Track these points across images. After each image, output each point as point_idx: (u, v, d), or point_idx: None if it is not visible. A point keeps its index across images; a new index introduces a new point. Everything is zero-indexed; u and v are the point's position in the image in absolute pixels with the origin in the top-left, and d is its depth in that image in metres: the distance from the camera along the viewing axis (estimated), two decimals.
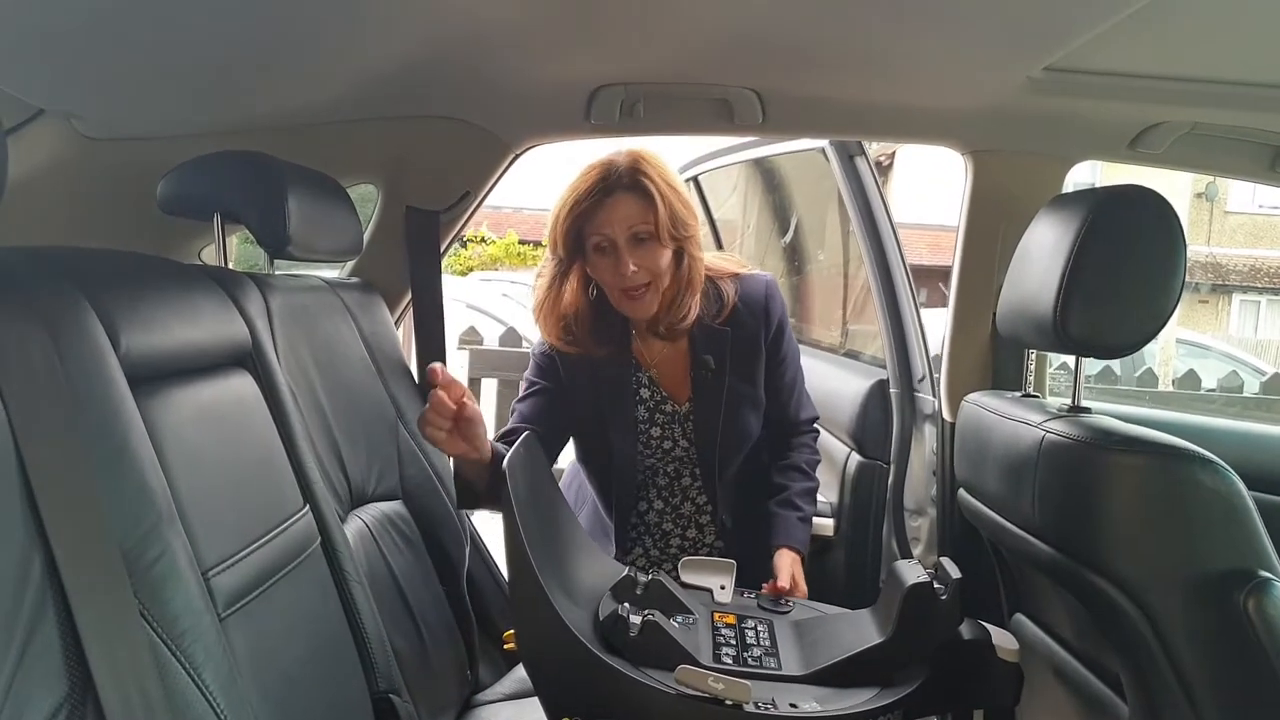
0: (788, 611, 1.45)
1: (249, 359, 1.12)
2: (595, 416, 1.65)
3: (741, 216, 3.15)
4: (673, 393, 1.66)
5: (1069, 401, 1.30)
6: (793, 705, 1.17)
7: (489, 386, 4.72)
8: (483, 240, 11.48)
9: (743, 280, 1.66)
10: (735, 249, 3.11)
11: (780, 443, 1.73)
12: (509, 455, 1.21)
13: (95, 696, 0.67)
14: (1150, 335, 1.18)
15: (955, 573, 1.26)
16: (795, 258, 2.98)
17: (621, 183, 1.50)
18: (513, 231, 11.53)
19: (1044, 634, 1.42)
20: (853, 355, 2.40)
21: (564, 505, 1.43)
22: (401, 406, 1.62)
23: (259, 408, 1.09)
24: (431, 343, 1.76)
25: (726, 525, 1.69)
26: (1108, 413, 1.28)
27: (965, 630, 1.28)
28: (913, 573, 1.27)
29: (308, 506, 1.11)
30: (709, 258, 1.64)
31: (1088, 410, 1.27)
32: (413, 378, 1.73)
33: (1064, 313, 1.17)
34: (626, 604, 1.24)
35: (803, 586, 1.58)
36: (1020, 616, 1.50)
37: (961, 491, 1.54)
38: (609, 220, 1.50)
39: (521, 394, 1.66)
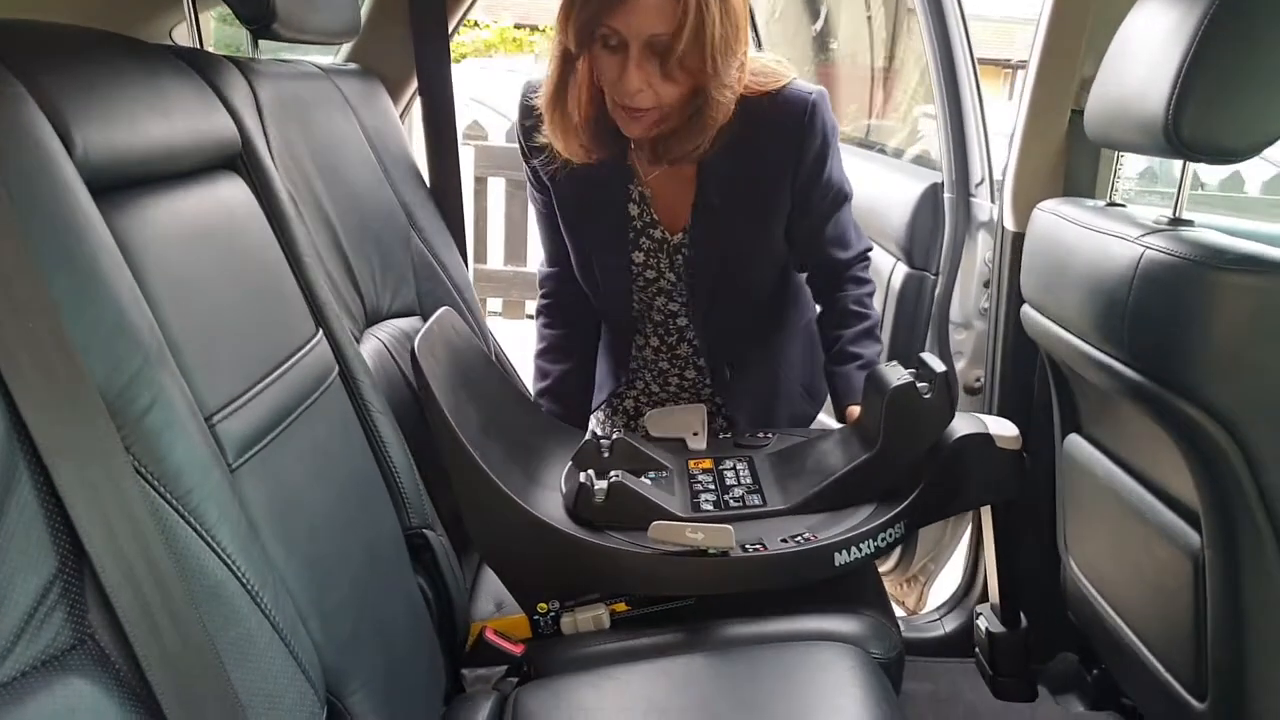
0: (766, 444, 1.36)
1: (238, 160, 0.95)
2: (580, 227, 1.43)
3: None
4: (665, 218, 1.40)
5: (1166, 213, 1.16)
6: (784, 540, 1.12)
7: (496, 186, 4.48)
8: (475, 25, 10.79)
9: (781, 97, 1.31)
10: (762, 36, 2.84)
11: (826, 286, 1.48)
12: (419, 336, 1.07)
13: (91, 568, 0.57)
14: (1276, 138, 1.03)
15: (939, 366, 1.17)
16: (824, 48, 2.73)
17: None
18: (507, 14, 10.82)
19: (1105, 458, 1.35)
20: (897, 154, 2.21)
21: (502, 377, 1.30)
22: (413, 212, 1.45)
23: (255, 218, 0.94)
24: (442, 138, 1.58)
25: (726, 377, 1.51)
26: (1211, 227, 1.14)
27: (960, 425, 1.21)
28: (894, 375, 1.18)
29: (320, 331, 0.97)
30: (755, 65, 1.31)
31: (1190, 223, 1.13)
32: (422, 179, 1.55)
33: (1178, 110, 1.02)
34: (591, 470, 1.16)
35: None
36: (1076, 438, 1.43)
37: (1026, 308, 1.43)
38: (627, 15, 1.16)
39: (538, 224, 1.49)
